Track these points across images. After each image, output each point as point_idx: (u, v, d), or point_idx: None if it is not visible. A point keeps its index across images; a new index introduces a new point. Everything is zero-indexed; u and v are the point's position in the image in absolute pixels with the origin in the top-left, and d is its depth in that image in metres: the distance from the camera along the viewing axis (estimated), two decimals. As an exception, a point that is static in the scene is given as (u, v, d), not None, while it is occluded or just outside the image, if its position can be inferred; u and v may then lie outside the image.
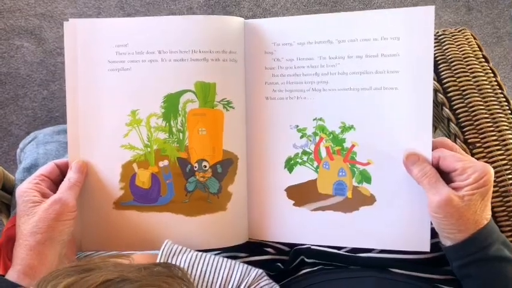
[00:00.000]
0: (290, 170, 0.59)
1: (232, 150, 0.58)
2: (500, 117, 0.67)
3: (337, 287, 0.57)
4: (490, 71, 0.70)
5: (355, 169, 0.57)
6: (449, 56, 0.71)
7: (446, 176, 0.51)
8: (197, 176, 0.58)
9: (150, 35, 0.56)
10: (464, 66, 0.70)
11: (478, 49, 0.72)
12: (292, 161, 0.59)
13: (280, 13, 1.61)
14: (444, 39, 0.74)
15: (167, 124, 0.57)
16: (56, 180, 0.56)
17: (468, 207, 0.48)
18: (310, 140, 0.58)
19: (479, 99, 0.68)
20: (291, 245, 0.64)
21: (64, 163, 0.57)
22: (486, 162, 0.64)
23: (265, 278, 0.54)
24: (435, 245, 0.55)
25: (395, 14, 0.54)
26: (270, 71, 0.58)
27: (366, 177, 0.57)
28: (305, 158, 0.58)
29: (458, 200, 0.48)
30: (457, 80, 0.69)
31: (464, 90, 0.69)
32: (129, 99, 0.57)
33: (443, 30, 0.75)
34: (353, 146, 0.57)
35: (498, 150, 0.65)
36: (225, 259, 0.55)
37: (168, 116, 0.57)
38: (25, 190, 0.52)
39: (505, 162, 0.65)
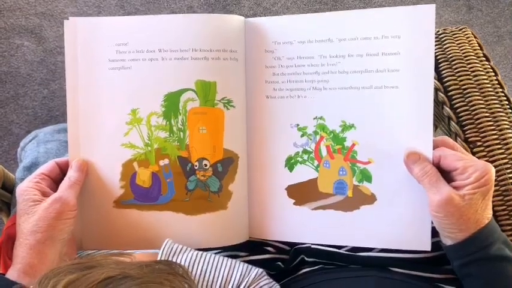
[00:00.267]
0: (290, 168, 0.59)
1: (233, 149, 0.58)
2: (501, 116, 0.67)
3: (337, 286, 0.57)
4: (491, 70, 0.70)
5: (356, 168, 0.57)
6: (450, 55, 0.71)
7: (447, 175, 0.51)
8: (198, 174, 0.58)
9: (151, 34, 0.56)
10: (465, 65, 0.70)
11: (478, 48, 0.72)
12: (293, 160, 0.59)
13: (280, 12, 1.61)
14: (445, 38, 0.73)
15: (168, 123, 0.57)
16: (56, 179, 0.56)
17: (469, 207, 0.48)
18: (311, 139, 0.58)
19: (479, 98, 0.68)
20: (292, 244, 0.64)
21: (64, 162, 0.57)
22: (487, 161, 0.64)
23: (266, 277, 0.54)
24: (436, 244, 0.55)
25: (396, 12, 0.54)
26: (271, 70, 0.58)
27: (366, 176, 0.56)
28: (305, 156, 0.58)
29: (459, 199, 0.48)
30: (458, 79, 0.69)
31: (465, 89, 0.69)
32: (129, 97, 0.57)
33: (444, 29, 0.75)
34: (353, 144, 0.57)
35: (499, 149, 0.65)
36: (226, 258, 0.55)
37: (168, 114, 0.57)
38: (25, 189, 0.52)
39: (505, 161, 0.65)
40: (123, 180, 0.58)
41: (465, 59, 0.70)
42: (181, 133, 0.57)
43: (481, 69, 0.69)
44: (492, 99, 0.68)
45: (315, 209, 0.58)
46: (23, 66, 1.46)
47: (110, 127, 0.57)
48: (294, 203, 0.59)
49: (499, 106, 0.67)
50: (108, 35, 0.56)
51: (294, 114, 0.58)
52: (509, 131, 0.66)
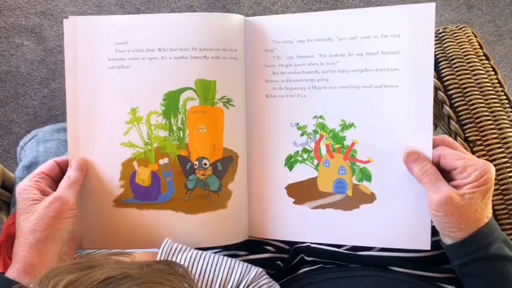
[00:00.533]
0: (290, 167, 0.59)
1: (233, 148, 0.58)
2: (501, 115, 0.67)
3: (337, 286, 0.56)
4: (491, 69, 0.70)
5: (356, 167, 0.57)
6: (450, 54, 0.71)
7: (447, 174, 0.51)
8: (197, 174, 0.58)
9: (150, 33, 0.56)
10: (464, 64, 0.70)
11: (478, 47, 0.72)
12: (293, 159, 0.59)
13: (280, 11, 1.61)
14: (445, 37, 0.73)
15: (167, 122, 0.57)
16: (56, 178, 0.56)
17: (469, 206, 0.48)
18: (311, 138, 0.58)
19: (479, 97, 0.68)
20: (291, 243, 0.64)
21: (64, 161, 0.57)
22: (487, 160, 0.64)
23: (265, 276, 0.54)
24: (435, 243, 0.55)
25: (396, 11, 0.54)
26: (270, 69, 0.58)
27: (366, 175, 0.56)
28: (305, 155, 0.58)
29: (459, 199, 0.48)
30: (458, 78, 0.69)
31: (464, 88, 0.69)
32: (129, 96, 0.57)
33: (444, 28, 0.75)
34: (353, 143, 0.57)
35: (499, 148, 0.65)
36: (225, 258, 0.55)
37: (168, 113, 0.57)
38: (25, 188, 0.52)
39: (505, 160, 0.65)
40: (123, 180, 0.57)
41: (465, 58, 0.70)
42: (181, 132, 0.57)
43: (481, 68, 0.69)
44: (492, 99, 0.68)
45: (315, 208, 0.58)
46: (23, 65, 1.46)
47: (109, 126, 0.57)
48: (294, 202, 0.59)
49: (499, 105, 0.67)
50: (107, 34, 0.56)
51: (294, 113, 0.58)
52: (509, 130, 0.66)
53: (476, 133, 0.67)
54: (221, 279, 0.52)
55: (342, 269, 0.59)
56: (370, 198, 0.56)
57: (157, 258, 0.52)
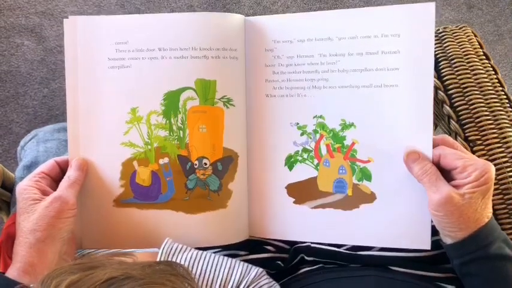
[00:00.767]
0: (290, 167, 0.59)
1: (233, 148, 0.58)
2: (501, 114, 0.67)
3: (338, 286, 0.56)
4: (491, 69, 0.70)
5: (356, 167, 0.57)
6: (450, 54, 0.71)
7: (447, 174, 0.51)
8: (197, 173, 0.58)
9: (150, 33, 0.56)
10: (464, 64, 0.70)
11: (478, 46, 0.72)
12: (293, 159, 0.59)
13: (280, 11, 1.61)
14: (445, 37, 0.73)
15: (167, 121, 0.57)
16: (56, 178, 0.56)
17: (469, 206, 0.48)
18: (311, 138, 0.58)
19: (479, 96, 0.68)
20: (291, 243, 0.64)
21: (64, 161, 0.57)
22: (487, 159, 0.64)
23: (265, 277, 0.54)
24: (436, 243, 0.55)
25: (396, 10, 0.54)
26: (270, 69, 0.58)
27: (366, 175, 0.56)
28: (305, 155, 0.58)
29: (459, 198, 0.48)
30: (458, 78, 0.69)
31: (464, 88, 0.69)
32: (129, 96, 0.57)
33: (444, 28, 0.75)
34: (353, 143, 0.57)
35: (499, 147, 0.65)
36: (225, 258, 0.55)
37: (168, 113, 0.57)
38: (25, 187, 0.52)
39: (505, 159, 0.65)
40: (123, 179, 0.58)
41: (465, 57, 0.70)
42: (181, 132, 0.57)
43: (481, 68, 0.69)
44: (492, 98, 0.68)
45: (315, 207, 0.58)
46: (23, 65, 1.46)
47: (109, 126, 0.57)
48: (294, 202, 0.59)
49: (499, 105, 0.67)
50: (108, 33, 0.56)
51: (294, 112, 0.58)
52: (509, 129, 0.66)
53: (476, 133, 0.67)
54: (221, 279, 0.52)
55: (342, 269, 0.59)
56: (370, 197, 0.56)
57: (158, 258, 0.52)
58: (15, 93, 1.43)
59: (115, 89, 0.57)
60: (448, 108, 0.69)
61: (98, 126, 0.57)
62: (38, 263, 0.49)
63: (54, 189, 0.53)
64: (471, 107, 0.68)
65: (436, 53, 0.72)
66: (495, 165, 0.62)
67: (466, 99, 0.68)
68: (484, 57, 0.71)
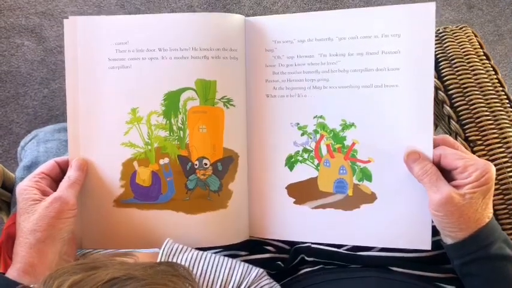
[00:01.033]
0: (291, 167, 0.59)
1: (233, 148, 0.58)
2: (501, 114, 0.67)
3: (338, 287, 0.56)
4: (491, 69, 0.70)
5: (356, 167, 0.57)
6: (450, 54, 0.71)
7: (447, 174, 0.51)
8: (198, 173, 0.58)
9: (151, 33, 0.56)
10: (465, 64, 0.70)
11: (479, 47, 0.72)
12: (293, 159, 0.59)
13: (280, 11, 1.61)
14: (445, 37, 0.73)
15: (168, 122, 0.57)
16: (56, 178, 0.56)
17: (469, 206, 0.48)
18: (311, 138, 0.58)
19: (480, 96, 0.68)
20: (292, 243, 0.64)
21: (64, 161, 0.57)
22: (487, 159, 0.64)
23: (266, 277, 0.54)
24: (436, 243, 0.55)
25: (396, 10, 0.53)
26: (271, 69, 0.58)
27: (366, 175, 0.56)
28: (306, 155, 0.58)
29: (459, 198, 0.48)
30: (458, 78, 0.69)
31: (465, 88, 0.69)
32: (129, 97, 0.57)
33: (444, 28, 0.75)
34: (354, 143, 0.56)
35: (499, 148, 0.65)
36: (226, 258, 0.55)
37: (168, 113, 0.57)
38: (25, 188, 0.52)
39: (506, 159, 0.65)
40: (123, 180, 0.57)
41: (465, 57, 0.70)
42: (182, 132, 0.57)
43: (481, 68, 0.69)
44: (492, 98, 0.68)
45: (315, 208, 0.58)
46: (23, 65, 1.46)
47: (110, 126, 0.57)
48: (294, 202, 0.59)
49: (500, 105, 0.67)
50: (108, 34, 0.56)
51: (294, 113, 0.58)
52: (510, 129, 0.66)
53: (477, 133, 0.67)
54: (222, 280, 0.52)
55: (343, 270, 0.59)
56: (371, 198, 0.56)
57: (158, 259, 0.52)
58: (16, 93, 1.43)
59: (115, 89, 0.57)
60: (448, 108, 0.69)
61: (98, 127, 0.57)
62: (38, 264, 0.49)
63: (55, 190, 0.53)
64: (471, 107, 0.68)
65: (437, 53, 0.72)
66: (495, 165, 0.62)
67: (467, 99, 0.68)
68: (484, 57, 0.71)
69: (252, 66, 0.59)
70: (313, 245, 0.61)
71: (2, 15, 1.49)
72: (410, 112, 0.54)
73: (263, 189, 0.60)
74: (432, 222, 0.53)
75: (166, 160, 0.58)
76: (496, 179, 0.51)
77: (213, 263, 0.53)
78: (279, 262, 0.63)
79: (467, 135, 0.67)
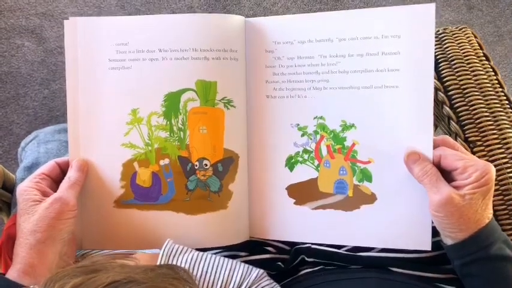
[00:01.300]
0: (291, 168, 0.59)
1: (233, 149, 0.58)
2: (501, 115, 0.67)
3: (338, 287, 0.57)
4: (491, 70, 0.70)
5: (356, 167, 0.57)
6: (450, 55, 0.71)
7: (447, 175, 0.51)
8: (198, 174, 0.58)
9: (151, 34, 0.56)
10: (464, 65, 0.70)
11: (478, 47, 0.72)
12: (293, 160, 0.59)
13: (280, 12, 1.61)
14: (445, 38, 0.74)
15: (168, 123, 0.57)
16: (56, 179, 0.56)
17: (469, 206, 0.48)
18: (311, 139, 0.58)
19: (479, 97, 0.68)
20: (292, 244, 0.64)
21: (65, 162, 0.57)
22: (487, 160, 0.64)
23: (266, 278, 0.54)
24: (436, 244, 0.55)
25: (396, 12, 0.54)
26: (271, 70, 0.58)
27: (366, 176, 0.56)
28: (306, 156, 0.58)
29: (459, 199, 0.48)
30: (458, 79, 0.69)
31: (464, 89, 0.69)
32: (129, 97, 0.57)
33: (444, 29, 0.75)
34: (354, 144, 0.57)
35: (499, 148, 0.65)
36: (226, 259, 0.55)
37: (168, 114, 0.57)
38: (25, 189, 0.52)
39: (505, 160, 0.65)
40: (124, 180, 0.58)
41: (465, 58, 0.70)
42: (182, 133, 0.57)
43: (481, 69, 0.69)
44: (492, 99, 0.68)
45: (315, 208, 0.58)
46: (23, 66, 1.46)
47: (110, 127, 0.57)
48: (295, 203, 0.59)
49: (499, 106, 0.67)
50: (108, 35, 0.57)
51: (294, 113, 0.58)
52: (510, 130, 0.66)
53: (477, 134, 0.67)
54: (222, 281, 0.52)
55: (343, 271, 0.59)
56: (371, 198, 0.56)
57: (159, 260, 0.52)
58: (16, 94, 1.43)
59: (115, 90, 0.57)
60: (448, 109, 0.69)
61: (98, 127, 0.57)
62: (38, 264, 0.49)
63: (55, 191, 0.53)
64: (471, 108, 0.68)
65: (436, 54, 0.72)
66: (495, 166, 0.62)
67: (466, 100, 0.68)
68: (484, 58, 0.71)
69: (252, 67, 0.59)
70: (313, 246, 0.61)
71: (2, 16, 1.49)
72: (410, 113, 0.54)
73: (263, 190, 0.60)
74: (432, 223, 0.53)
75: (166, 161, 0.58)
76: (495, 179, 0.51)
77: (213, 264, 0.53)
78: (279, 263, 0.63)
79: (467, 136, 0.67)
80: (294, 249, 0.63)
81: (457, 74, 0.69)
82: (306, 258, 0.62)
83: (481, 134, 0.66)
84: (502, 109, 0.67)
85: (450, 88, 0.69)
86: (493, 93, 0.68)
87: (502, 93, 0.68)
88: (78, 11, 1.53)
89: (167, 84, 0.57)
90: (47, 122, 1.42)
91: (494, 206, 0.62)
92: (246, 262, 0.56)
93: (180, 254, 0.53)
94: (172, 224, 0.58)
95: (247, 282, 0.52)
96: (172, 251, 0.53)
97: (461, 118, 0.68)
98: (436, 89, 0.70)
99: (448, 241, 0.52)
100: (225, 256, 0.56)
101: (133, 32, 0.56)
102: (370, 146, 0.56)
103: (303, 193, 0.59)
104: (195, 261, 0.53)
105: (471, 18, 1.67)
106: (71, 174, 0.55)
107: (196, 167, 0.58)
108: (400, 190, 0.55)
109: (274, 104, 0.59)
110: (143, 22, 0.57)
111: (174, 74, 0.56)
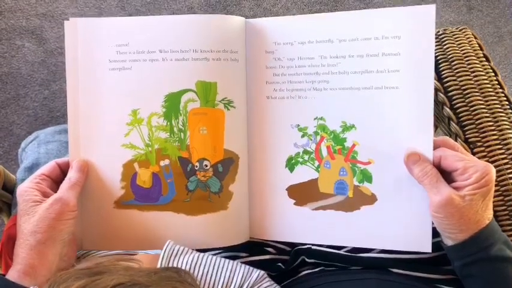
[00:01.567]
0: (291, 169, 0.59)
1: (233, 150, 0.58)
2: (501, 116, 0.67)
3: (339, 289, 0.57)
4: (491, 70, 0.70)
5: (356, 168, 0.57)
6: (450, 55, 0.71)
7: (447, 176, 0.51)
8: (198, 175, 0.58)
9: (151, 34, 0.56)
10: (465, 66, 0.70)
11: (478, 48, 0.72)
12: (293, 160, 0.59)
13: (281, 13, 1.61)
14: (445, 38, 0.74)
15: (168, 123, 0.57)
16: (57, 180, 0.56)
17: (469, 207, 0.48)
18: (311, 139, 0.58)
19: (480, 98, 0.68)
20: (292, 245, 0.64)
21: (65, 162, 0.57)
22: (487, 161, 0.64)
23: (267, 279, 0.54)
24: (436, 245, 0.55)
25: (396, 13, 0.54)
26: (271, 70, 0.58)
27: (366, 177, 0.56)
28: (306, 157, 0.58)
29: (460, 200, 0.48)
30: (458, 79, 0.69)
31: (465, 90, 0.69)
32: (130, 98, 0.57)
33: (444, 29, 0.75)
34: (354, 145, 0.57)
35: (499, 149, 0.65)
36: (227, 260, 0.55)
37: (169, 115, 0.57)
38: (26, 189, 0.52)
39: (506, 161, 0.65)
40: (124, 181, 0.58)
41: (465, 59, 0.70)
42: (182, 134, 0.57)
43: (481, 69, 0.69)
44: (492, 100, 0.68)
45: (316, 209, 0.58)
46: (23, 67, 1.46)
47: (110, 128, 0.57)
48: (295, 204, 0.59)
49: (499, 106, 0.67)
50: (108, 35, 0.57)
51: (295, 114, 0.58)
52: (510, 131, 0.66)
53: (477, 134, 0.67)
54: (223, 282, 0.52)
55: (343, 272, 0.59)
56: (371, 199, 0.56)
57: (160, 260, 0.52)
58: (16, 95, 1.43)
59: (116, 91, 0.57)
60: (448, 110, 0.69)
61: (98, 128, 0.57)
62: (39, 265, 0.49)
63: (55, 191, 0.53)
64: (471, 109, 0.68)
65: (436, 54, 0.72)
66: (495, 166, 0.62)
67: (466, 100, 0.68)
68: (484, 58, 0.71)
69: (253, 67, 0.59)
70: (313, 247, 0.61)
71: (2, 16, 1.49)
72: (410, 114, 0.54)
73: (263, 191, 0.60)
74: (432, 223, 0.53)
75: (166, 161, 0.58)
76: (496, 180, 0.51)
77: (214, 265, 0.53)
78: (280, 264, 0.63)
79: (467, 136, 0.67)
80: (294, 250, 0.63)
81: (457, 75, 0.69)
82: (306, 259, 0.62)
83: (481, 135, 0.66)
84: (502, 110, 0.67)
85: (450, 89, 0.69)
86: (493, 93, 0.68)
87: (502, 94, 0.68)
88: (79, 12, 1.53)
89: (167, 85, 0.57)
90: (47, 123, 1.42)
91: (494, 206, 0.62)
92: (246, 263, 0.56)
93: (180, 255, 0.53)
94: (172, 225, 0.58)
95: (248, 284, 0.52)
96: (173, 252, 0.53)
97: (461, 119, 0.68)
98: (436, 90, 0.70)
99: (448, 242, 0.52)
100: (225, 257, 0.56)
101: (134, 33, 0.56)
102: (370, 146, 0.56)
103: (303, 194, 0.59)
104: (196, 263, 0.53)
105: (471, 18, 1.67)
106: (71, 174, 0.55)
107: (196, 168, 0.58)
108: (400, 191, 0.55)
109: (275, 105, 0.59)
110: (143, 23, 0.57)
111: (175, 75, 0.57)
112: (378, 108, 0.55)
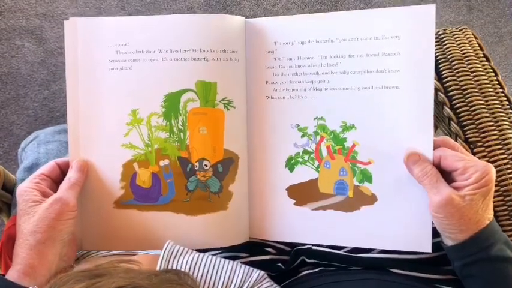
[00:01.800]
0: (291, 169, 0.59)
1: (233, 150, 0.58)
2: (501, 116, 0.67)
3: (339, 289, 0.57)
4: (491, 70, 0.70)
5: (356, 168, 0.57)
6: (450, 55, 0.71)
7: (447, 176, 0.51)
8: (198, 175, 0.58)
9: (151, 34, 0.56)
10: (465, 66, 0.70)
11: (479, 48, 0.72)
12: (293, 160, 0.59)
13: (281, 12, 1.61)
14: (445, 38, 0.73)
15: (168, 123, 0.57)
16: (56, 180, 0.55)
17: (469, 207, 0.48)
18: (311, 139, 0.58)
19: (480, 98, 0.68)
20: (292, 245, 0.64)
21: (65, 162, 0.57)
22: (487, 161, 0.64)
23: (267, 280, 0.54)
24: (436, 245, 0.54)
25: (396, 12, 0.54)
26: (271, 70, 0.58)
27: (366, 177, 0.56)
28: (306, 157, 0.58)
29: (460, 200, 0.48)
30: (458, 79, 0.69)
31: (465, 90, 0.69)
32: (129, 98, 0.57)
33: (444, 29, 0.75)
34: (354, 145, 0.57)
35: (499, 149, 0.65)
36: (227, 261, 0.55)
37: (168, 115, 0.57)
38: (25, 189, 0.52)
39: (506, 161, 0.65)
40: (124, 181, 0.57)
41: (465, 59, 0.70)
42: (182, 134, 0.57)
43: (481, 69, 0.69)
44: (492, 100, 0.67)
45: (316, 209, 0.58)
46: (23, 67, 1.46)
47: (110, 128, 0.57)
48: (295, 204, 0.59)
49: (500, 106, 0.67)
50: (108, 35, 0.57)
51: (295, 114, 0.58)
52: (510, 131, 0.66)
53: (477, 134, 0.67)
54: (223, 282, 0.52)
55: (343, 272, 0.59)
56: (371, 199, 0.56)
57: (159, 261, 0.52)
58: (16, 95, 1.43)
59: (115, 91, 0.57)
60: (448, 109, 0.69)
61: (98, 128, 0.57)
62: (38, 265, 0.49)
63: (55, 191, 0.53)
64: (471, 109, 0.68)
65: (437, 54, 0.72)
66: (496, 166, 0.62)
67: (466, 100, 0.68)
68: (484, 58, 0.71)
69: (253, 67, 0.59)
70: (313, 247, 0.61)
71: (2, 16, 1.49)
72: (410, 114, 0.54)
73: (263, 191, 0.60)
74: (432, 223, 0.53)
75: (166, 161, 0.58)
76: (496, 180, 0.51)
77: (214, 265, 0.53)
78: (280, 264, 0.63)
79: (467, 136, 0.67)
80: (294, 250, 0.63)
81: (457, 75, 0.69)
82: (306, 260, 0.62)
83: (482, 135, 0.66)
84: (502, 110, 0.67)
85: (450, 89, 0.69)
86: (493, 93, 0.68)
87: (503, 94, 0.68)
88: (78, 12, 1.53)
89: (167, 85, 0.57)
90: (47, 123, 1.42)
91: (494, 206, 0.62)
92: (246, 263, 0.56)
93: (180, 256, 0.53)
94: (172, 225, 0.58)
95: (248, 284, 0.52)
96: (172, 252, 0.53)
97: (461, 119, 0.68)
98: (437, 90, 0.70)
99: (448, 242, 0.52)
100: (225, 257, 0.56)
101: (134, 33, 0.56)
102: (370, 146, 0.56)
103: (303, 194, 0.59)
104: (196, 263, 0.53)
105: (471, 19, 1.67)
106: (71, 174, 0.55)
107: (196, 168, 0.58)
108: (400, 191, 0.55)
109: (275, 105, 0.59)
110: (143, 22, 0.57)
111: (174, 75, 0.56)
112: (378, 108, 0.55)
